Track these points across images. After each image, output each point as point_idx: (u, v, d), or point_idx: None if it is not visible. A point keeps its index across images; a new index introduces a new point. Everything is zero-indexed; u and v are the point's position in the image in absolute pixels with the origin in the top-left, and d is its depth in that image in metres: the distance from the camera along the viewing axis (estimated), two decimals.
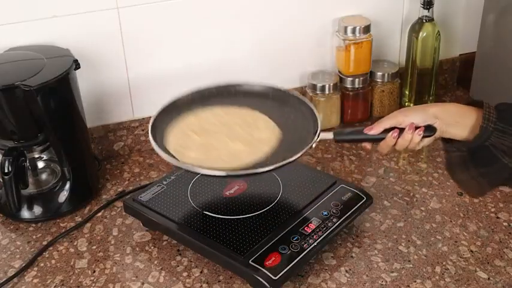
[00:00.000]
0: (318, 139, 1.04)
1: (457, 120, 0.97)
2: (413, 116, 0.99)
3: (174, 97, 1.16)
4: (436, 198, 1.24)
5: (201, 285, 1.05)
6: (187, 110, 1.14)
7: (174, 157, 1.02)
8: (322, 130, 1.05)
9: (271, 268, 1.00)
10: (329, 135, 1.04)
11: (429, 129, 0.98)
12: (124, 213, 1.19)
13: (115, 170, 1.36)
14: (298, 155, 1.01)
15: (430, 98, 1.54)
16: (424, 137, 0.99)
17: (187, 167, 1.00)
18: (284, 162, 1.00)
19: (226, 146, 1.06)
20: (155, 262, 1.10)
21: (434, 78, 1.52)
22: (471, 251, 1.11)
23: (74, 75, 1.17)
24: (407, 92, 1.55)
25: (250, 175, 1.03)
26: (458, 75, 1.66)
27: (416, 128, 0.99)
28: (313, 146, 1.03)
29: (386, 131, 1.00)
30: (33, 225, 1.20)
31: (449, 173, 1.05)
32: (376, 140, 1.02)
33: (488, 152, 0.94)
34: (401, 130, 0.99)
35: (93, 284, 1.06)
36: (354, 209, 1.13)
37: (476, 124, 0.94)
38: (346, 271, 1.07)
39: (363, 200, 1.15)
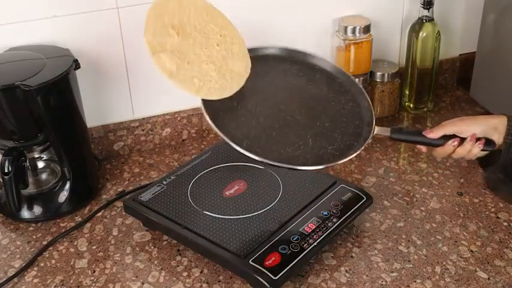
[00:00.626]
0: (374, 133, 1.00)
1: None
2: (475, 126, 0.99)
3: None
4: (436, 198, 1.24)
5: (201, 285, 1.05)
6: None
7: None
8: (377, 124, 1.01)
9: (271, 268, 1.00)
10: (385, 131, 1.01)
11: (488, 144, 0.98)
12: (124, 213, 1.19)
13: (115, 170, 1.36)
14: (355, 154, 0.98)
15: (430, 98, 1.54)
16: (482, 150, 0.98)
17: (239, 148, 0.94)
18: (338, 161, 0.96)
19: (199, 64, 1.00)
20: (155, 262, 1.10)
21: (434, 78, 1.52)
22: (471, 251, 1.11)
23: (74, 75, 1.17)
24: (407, 92, 1.55)
25: (293, 170, 0.97)
26: (458, 75, 1.66)
27: (477, 139, 0.98)
28: (370, 141, 1.00)
29: (445, 137, 1.00)
30: (33, 225, 1.20)
31: (494, 194, 1.03)
32: (433, 144, 1.01)
33: None
34: (461, 139, 0.99)
35: (93, 284, 1.06)
36: (354, 209, 1.13)
37: None
38: (346, 271, 1.07)
39: (363, 200, 1.15)
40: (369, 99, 1.05)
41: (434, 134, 1.00)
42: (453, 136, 0.99)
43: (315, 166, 0.96)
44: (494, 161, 0.96)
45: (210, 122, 0.96)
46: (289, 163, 0.94)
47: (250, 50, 1.08)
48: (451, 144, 0.99)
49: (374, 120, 1.01)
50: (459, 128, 1.00)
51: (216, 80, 1.00)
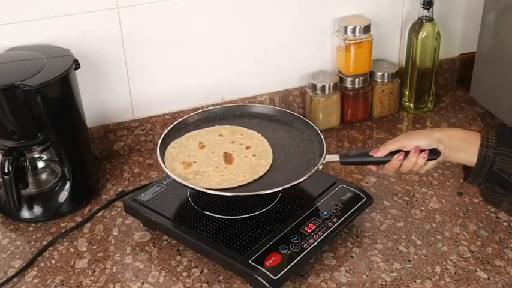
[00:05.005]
0: (324, 161, 1.08)
1: (460, 145, 1.00)
2: (418, 139, 1.02)
3: (181, 118, 1.23)
4: (436, 198, 1.24)
5: (201, 285, 1.05)
6: (196, 128, 1.21)
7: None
8: (328, 153, 1.10)
9: (271, 268, 1.00)
10: (335, 158, 1.08)
11: (433, 153, 1.01)
12: (124, 213, 1.19)
13: (115, 170, 1.36)
14: (304, 177, 1.05)
15: (430, 98, 1.54)
16: (428, 160, 1.02)
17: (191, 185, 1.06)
18: (289, 184, 1.04)
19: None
20: (155, 262, 1.10)
21: (434, 78, 1.52)
22: (471, 251, 1.11)
23: (74, 75, 1.17)
24: (407, 92, 1.55)
25: (256, 196, 1.09)
26: (458, 75, 1.66)
27: (421, 151, 1.01)
28: (319, 168, 1.08)
29: (392, 153, 1.03)
30: (33, 225, 1.20)
31: (493, 206, 1.06)
32: (382, 162, 1.05)
33: (501, 178, 0.94)
34: (406, 153, 1.02)
35: (93, 284, 1.06)
36: (354, 209, 1.13)
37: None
38: (346, 271, 1.07)
39: (363, 200, 1.15)
40: (321, 136, 1.15)
41: (380, 152, 1.04)
42: (399, 152, 1.03)
43: (262, 191, 1.04)
44: (473, 173, 0.99)
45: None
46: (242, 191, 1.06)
47: (205, 111, 1.25)
48: (397, 158, 1.03)
49: (325, 151, 1.11)
50: (402, 143, 1.03)
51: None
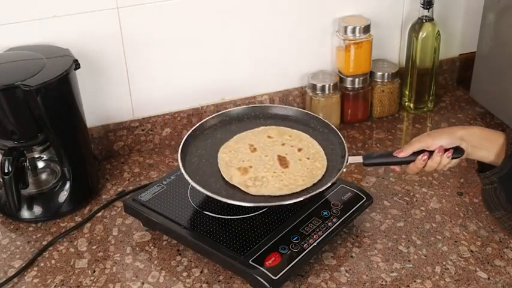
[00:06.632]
0: (348, 163, 1.08)
1: (482, 143, 1.01)
2: (441, 139, 1.03)
3: (199, 123, 1.21)
4: (436, 198, 1.24)
5: (201, 285, 1.05)
6: (213, 132, 1.20)
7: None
8: (350, 154, 1.09)
9: (271, 268, 1.00)
10: (358, 159, 1.08)
11: (457, 151, 1.02)
12: (124, 213, 1.19)
13: (115, 170, 1.36)
14: (329, 183, 1.05)
15: (430, 98, 1.54)
16: (452, 158, 1.02)
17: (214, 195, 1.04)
18: (317, 191, 1.04)
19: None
20: (155, 262, 1.10)
21: (434, 78, 1.52)
22: (471, 251, 1.11)
23: (74, 75, 1.17)
24: (407, 92, 1.55)
25: (279, 206, 1.09)
26: (458, 75, 1.66)
27: (445, 150, 1.02)
28: (344, 170, 1.08)
29: (415, 153, 1.04)
30: (33, 225, 1.20)
31: (487, 210, 1.06)
32: (405, 162, 1.05)
33: None
34: (430, 152, 1.03)
35: (93, 284, 1.06)
36: (354, 209, 1.13)
37: (502, 148, 0.97)
38: (346, 271, 1.07)
39: (363, 200, 1.15)
40: (341, 135, 1.15)
41: (404, 153, 1.04)
42: (422, 151, 1.03)
43: (294, 199, 1.04)
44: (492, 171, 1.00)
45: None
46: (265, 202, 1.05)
47: (221, 114, 1.24)
48: (421, 159, 1.03)
49: (347, 153, 1.10)
50: (426, 143, 1.04)
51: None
